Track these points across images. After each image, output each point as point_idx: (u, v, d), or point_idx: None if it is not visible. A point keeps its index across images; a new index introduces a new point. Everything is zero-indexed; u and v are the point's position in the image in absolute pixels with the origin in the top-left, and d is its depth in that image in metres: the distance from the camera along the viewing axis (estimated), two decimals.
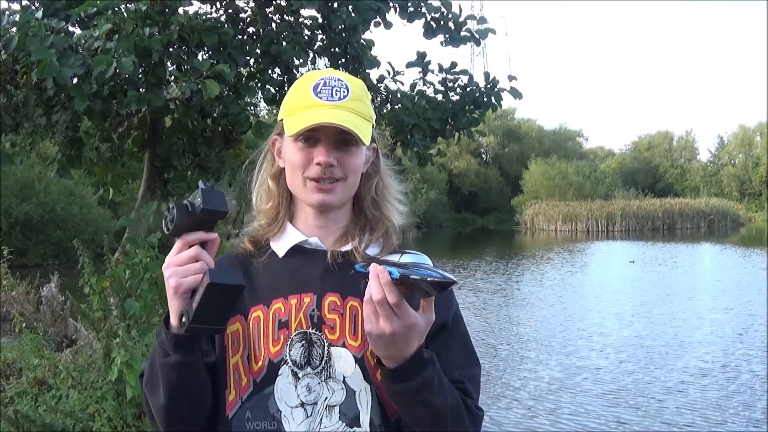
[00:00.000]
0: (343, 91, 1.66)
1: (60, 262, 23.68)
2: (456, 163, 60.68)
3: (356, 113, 1.66)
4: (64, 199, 26.30)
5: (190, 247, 1.52)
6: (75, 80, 5.36)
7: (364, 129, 1.65)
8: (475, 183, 62.24)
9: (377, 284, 1.41)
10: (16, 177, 24.55)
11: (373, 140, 1.74)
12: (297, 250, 1.69)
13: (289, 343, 1.62)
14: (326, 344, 1.62)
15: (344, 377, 1.61)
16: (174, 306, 1.51)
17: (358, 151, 1.69)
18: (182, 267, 1.50)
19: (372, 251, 1.70)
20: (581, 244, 37.97)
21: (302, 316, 1.64)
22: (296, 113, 1.65)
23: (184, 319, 1.48)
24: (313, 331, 1.63)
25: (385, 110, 7.85)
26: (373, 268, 1.42)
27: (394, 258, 1.51)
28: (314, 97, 1.65)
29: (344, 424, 1.59)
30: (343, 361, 1.62)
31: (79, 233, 25.52)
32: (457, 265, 25.39)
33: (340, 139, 1.65)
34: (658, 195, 58.71)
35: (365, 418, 1.61)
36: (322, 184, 1.65)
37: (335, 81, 1.67)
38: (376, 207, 1.76)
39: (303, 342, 1.62)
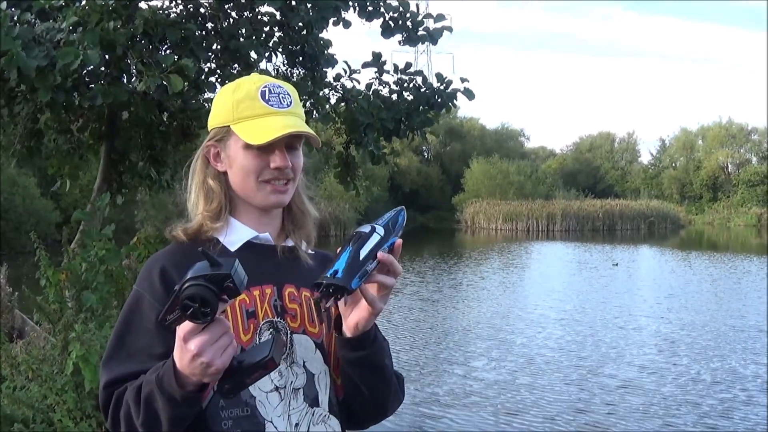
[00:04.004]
0: (288, 98, 1.75)
1: (0, 253, 23.30)
2: (397, 161, 60.88)
3: (301, 117, 1.77)
4: (6, 189, 25.85)
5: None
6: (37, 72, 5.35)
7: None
8: (416, 180, 62.19)
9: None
10: None
11: None
12: (247, 245, 1.77)
13: (258, 331, 1.72)
14: (289, 332, 1.75)
15: (304, 362, 1.75)
16: (206, 380, 1.47)
17: (300, 153, 1.81)
18: (216, 345, 1.43)
19: (304, 246, 1.87)
20: (520, 243, 38.02)
21: (267, 306, 1.74)
22: (250, 120, 1.72)
23: (227, 387, 1.49)
24: (278, 319, 1.75)
25: (340, 109, 7.96)
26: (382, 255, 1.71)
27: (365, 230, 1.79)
28: (265, 105, 1.72)
29: (307, 404, 1.73)
30: (304, 347, 1.75)
31: (21, 224, 25.23)
32: None
33: (289, 143, 1.75)
34: (599, 196, 59.40)
35: (324, 398, 1.77)
36: (278, 185, 1.75)
37: (278, 88, 1.76)
38: (301, 201, 1.87)
39: (271, 330, 1.73)
